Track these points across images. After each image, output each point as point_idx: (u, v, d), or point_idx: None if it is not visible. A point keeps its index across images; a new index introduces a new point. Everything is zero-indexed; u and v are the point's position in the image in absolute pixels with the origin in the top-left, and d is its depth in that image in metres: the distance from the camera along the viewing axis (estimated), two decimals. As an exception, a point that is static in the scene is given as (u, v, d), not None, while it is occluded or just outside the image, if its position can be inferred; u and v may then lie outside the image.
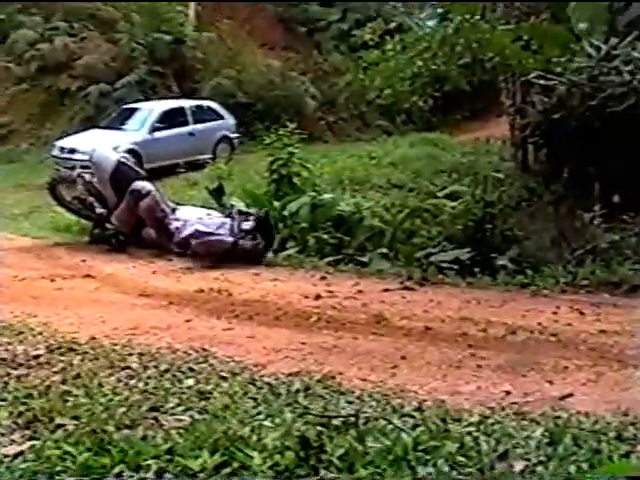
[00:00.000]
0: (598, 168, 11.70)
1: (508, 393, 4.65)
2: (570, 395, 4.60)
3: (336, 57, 26.41)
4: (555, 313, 6.71)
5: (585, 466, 3.15)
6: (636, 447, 3.43)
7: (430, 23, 17.06)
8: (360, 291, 7.66)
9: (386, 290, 7.71)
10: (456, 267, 9.53)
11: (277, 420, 3.61)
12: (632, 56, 12.46)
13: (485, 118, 23.46)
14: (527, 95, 14.52)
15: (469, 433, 3.55)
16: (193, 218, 9.89)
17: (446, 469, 3.05)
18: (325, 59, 26.76)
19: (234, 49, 24.82)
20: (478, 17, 12.97)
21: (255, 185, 13.79)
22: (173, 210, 10.27)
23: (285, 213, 11.61)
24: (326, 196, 12.16)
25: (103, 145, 12.65)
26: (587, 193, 11.25)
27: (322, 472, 3.00)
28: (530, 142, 14.64)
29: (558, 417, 4.01)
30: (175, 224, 9.90)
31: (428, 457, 3.15)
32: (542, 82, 13.45)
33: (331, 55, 26.81)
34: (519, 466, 3.16)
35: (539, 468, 3.15)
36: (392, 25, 20.93)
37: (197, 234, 9.57)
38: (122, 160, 10.81)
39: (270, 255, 9.95)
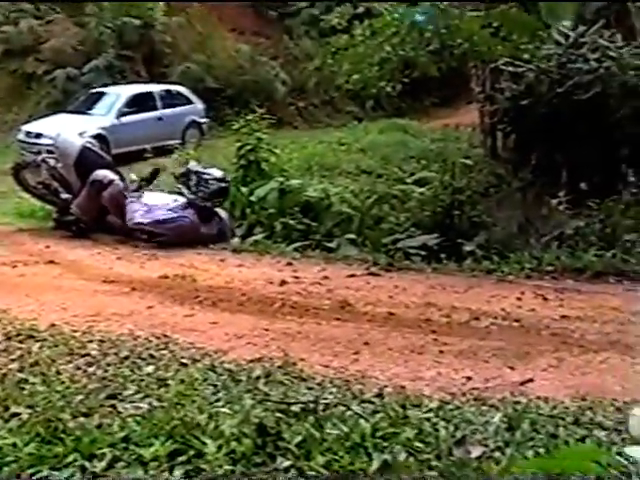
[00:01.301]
0: (565, 155, 11.77)
1: (469, 379, 4.66)
2: (530, 380, 4.63)
3: (306, 42, 26.23)
4: (519, 299, 6.75)
5: (542, 451, 3.16)
6: (592, 431, 3.45)
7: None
8: (326, 277, 7.64)
9: (352, 276, 7.70)
10: (423, 253, 9.55)
11: (236, 407, 3.58)
12: (599, 44, 12.51)
13: (455, 105, 23.48)
14: (496, 82, 14.53)
15: (428, 419, 3.55)
16: (158, 204, 9.86)
17: (403, 455, 3.04)
18: (296, 44, 26.58)
19: (204, 34, 24.55)
20: (447, 3, 12.95)
21: (224, 170, 13.69)
22: (139, 196, 10.17)
23: (253, 199, 11.55)
24: (294, 182, 12.10)
25: (67, 130, 12.46)
26: (554, 180, 11.31)
27: (279, 459, 2.97)
28: (499, 129, 14.67)
29: (517, 402, 4.03)
30: (139, 210, 9.81)
31: (386, 444, 3.14)
32: (511, 69, 13.47)
33: (302, 40, 26.63)
34: (477, 452, 3.16)
35: (497, 454, 3.16)
36: (360, 10, 20.89)
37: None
38: (87, 145, 10.69)
39: (237, 241, 9.92)
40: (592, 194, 10.31)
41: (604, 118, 11.63)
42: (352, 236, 10.81)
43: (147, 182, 10.30)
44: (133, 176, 10.50)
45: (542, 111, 12.46)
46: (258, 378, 4.28)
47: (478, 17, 13.82)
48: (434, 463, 3.00)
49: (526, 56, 13.50)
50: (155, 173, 10.41)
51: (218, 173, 10.27)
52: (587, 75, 12.14)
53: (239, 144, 13.04)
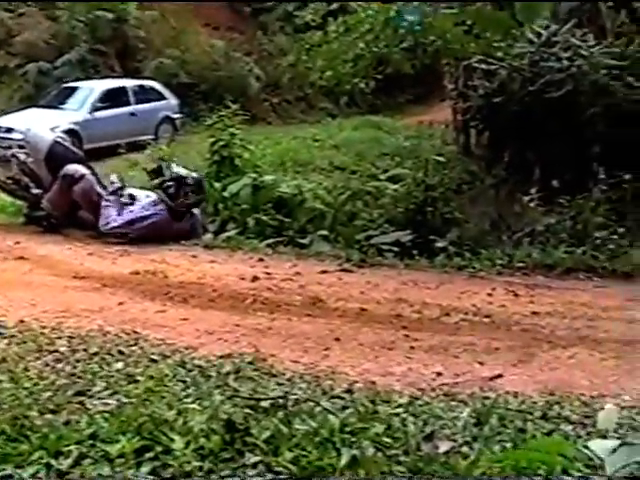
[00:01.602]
0: (537, 152, 11.85)
1: (439, 374, 4.69)
2: (500, 376, 4.66)
3: (281, 38, 26.16)
4: (490, 295, 6.80)
5: (509, 445, 3.18)
6: (559, 425, 3.48)
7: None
8: (298, 273, 7.64)
9: (324, 272, 7.70)
10: (396, 249, 9.56)
11: (205, 403, 3.57)
12: (571, 42, 12.61)
13: (429, 102, 23.47)
14: (469, 79, 14.58)
15: (397, 414, 3.56)
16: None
17: (372, 451, 3.04)
18: (270, 40, 26.49)
19: (178, 28, 24.40)
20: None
21: (197, 166, 13.61)
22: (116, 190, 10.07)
23: (226, 194, 11.50)
24: (267, 178, 12.07)
25: (38, 125, 12.33)
26: (527, 177, 11.39)
27: (247, 455, 2.96)
28: (472, 126, 14.72)
29: (486, 397, 4.06)
30: (112, 215, 9.72)
31: (354, 439, 3.14)
32: (484, 66, 13.53)
33: (276, 36, 26.56)
34: (445, 447, 3.17)
35: (465, 448, 3.17)
36: (334, 6, 20.85)
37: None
38: (58, 140, 10.58)
39: (209, 237, 9.87)
40: (563, 191, 10.40)
41: (575, 116, 11.73)
42: (325, 232, 10.80)
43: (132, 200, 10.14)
44: (114, 177, 10.36)
45: (514, 109, 12.54)
46: (228, 374, 4.27)
47: (451, 15, 13.86)
48: (402, 458, 3.00)
49: (499, 54, 13.58)
50: (133, 197, 10.24)
51: (197, 179, 10.11)
52: (559, 73, 12.23)
53: (212, 140, 13.00)
